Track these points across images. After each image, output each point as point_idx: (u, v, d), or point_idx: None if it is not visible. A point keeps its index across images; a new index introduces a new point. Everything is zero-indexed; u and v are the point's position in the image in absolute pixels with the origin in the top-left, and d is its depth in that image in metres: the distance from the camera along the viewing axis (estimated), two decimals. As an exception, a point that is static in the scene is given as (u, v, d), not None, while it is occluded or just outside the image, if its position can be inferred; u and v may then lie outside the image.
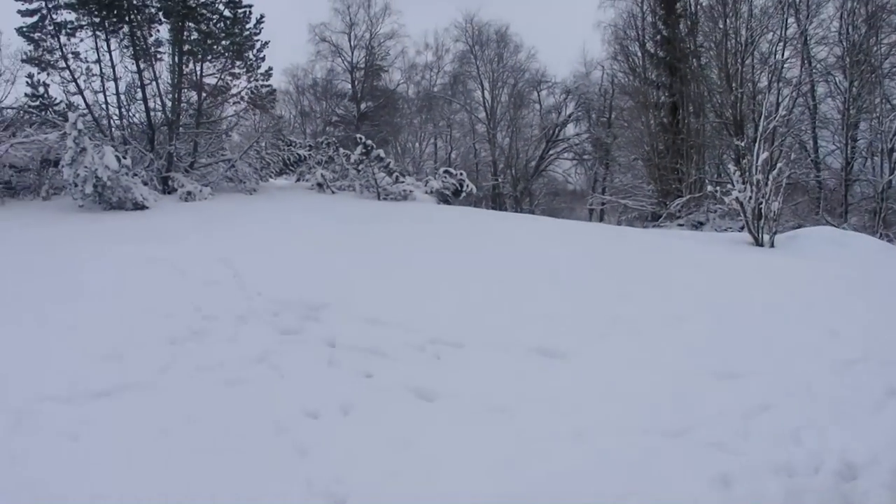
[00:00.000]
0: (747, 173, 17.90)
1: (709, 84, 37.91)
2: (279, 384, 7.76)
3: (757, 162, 17.70)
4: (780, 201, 18.14)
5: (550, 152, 56.09)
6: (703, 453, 6.43)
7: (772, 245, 17.69)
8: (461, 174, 26.81)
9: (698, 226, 32.28)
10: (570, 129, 56.93)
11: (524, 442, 6.66)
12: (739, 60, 36.56)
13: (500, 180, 51.98)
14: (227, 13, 23.26)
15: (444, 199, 25.36)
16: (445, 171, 26.78)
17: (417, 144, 55.45)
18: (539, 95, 56.95)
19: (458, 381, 8.08)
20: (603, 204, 47.08)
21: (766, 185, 17.81)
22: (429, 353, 8.99)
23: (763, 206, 17.68)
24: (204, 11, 22.65)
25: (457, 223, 17.86)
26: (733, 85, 35.77)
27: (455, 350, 9.10)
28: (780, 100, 36.69)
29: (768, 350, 9.20)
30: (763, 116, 19.19)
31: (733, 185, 18.10)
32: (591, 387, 8.04)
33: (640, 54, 42.24)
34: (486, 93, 54.88)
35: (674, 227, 32.32)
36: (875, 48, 37.93)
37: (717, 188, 19.15)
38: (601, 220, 48.59)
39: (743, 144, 21.16)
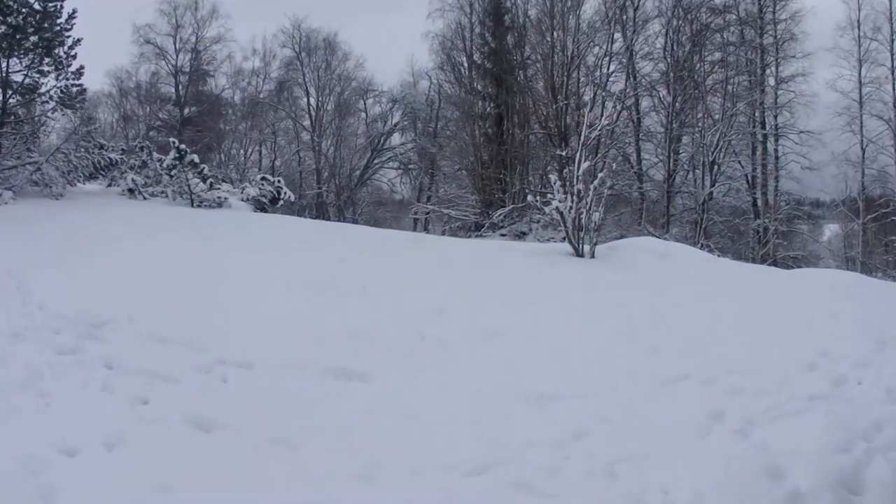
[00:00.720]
0: (568, 183, 17.50)
1: (534, 96, 37.97)
2: (43, 414, 6.73)
3: (578, 171, 17.34)
4: (602, 212, 17.83)
5: (376, 161, 55.61)
6: (506, 498, 5.75)
7: (592, 256, 17.33)
8: (279, 181, 26.03)
9: (521, 236, 32.11)
10: (397, 139, 56.73)
11: (305, 484, 5.86)
12: (565, 73, 36.71)
13: (323, 189, 51.04)
14: (37, 6, 21.96)
15: (261, 206, 24.47)
16: (263, 179, 26.00)
17: (242, 151, 53.85)
18: (366, 104, 56.40)
19: (242, 408, 7.28)
20: (427, 213, 46.65)
21: (588, 195, 17.48)
22: (215, 375, 8.18)
23: (584, 216, 17.34)
24: (12, 3, 21.18)
25: (270, 231, 17.04)
26: (558, 97, 35.87)
27: (244, 372, 8.30)
28: (603, 112, 36.95)
29: (587, 368, 8.69)
30: (585, 126, 18.87)
31: (554, 196, 17.70)
32: (390, 414, 7.34)
33: (466, 65, 42.02)
34: (312, 100, 53.86)
35: (496, 237, 32.04)
36: (698, 65, 38.77)
37: (538, 198, 18.65)
38: (426, 230, 48.24)
39: (565, 154, 20.75)
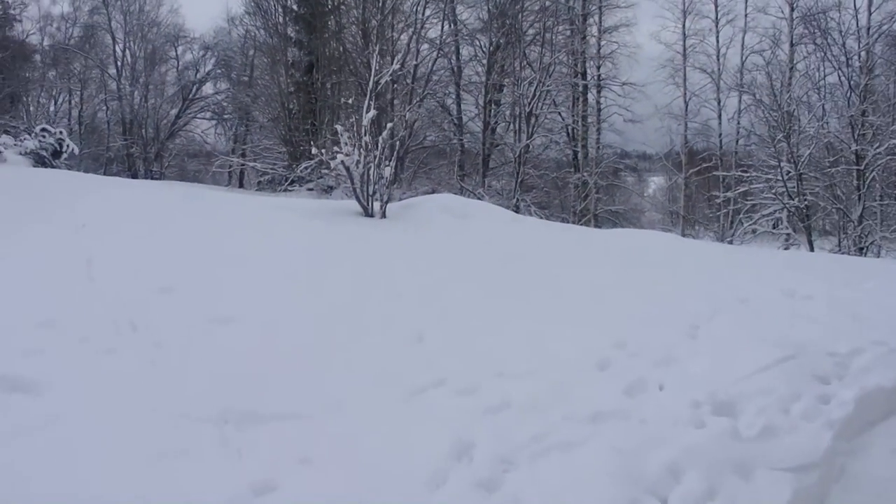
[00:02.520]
0: (356, 135, 15.52)
1: (346, 42, 35.72)
2: None
3: (364, 122, 15.37)
4: (393, 166, 15.99)
5: (188, 111, 52.46)
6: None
7: (383, 215, 15.45)
8: (60, 132, 23.41)
9: (328, 190, 30.11)
10: (210, 88, 53.70)
11: None
12: (379, 16, 34.62)
13: (129, 141, 47.86)
14: None
15: (41, 161, 21.72)
16: (43, 129, 23.24)
17: (52, 102, 49.94)
18: (177, 51, 53.33)
19: None
20: (231, 167, 44.17)
21: (377, 147, 15.58)
22: None
23: (372, 171, 15.43)
24: None
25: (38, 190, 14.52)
26: (370, 43, 33.79)
27: None
28: (418, 60, 35.21)
29: (322, 372, 6.67)
30: (373, 71, 16.83)
31: (340, 148, 15.69)
32: (48, 443, 5.16)
33: (279, 9, 39.39)
34: (121, 47, 50.45)
35: (303, 191, 29.95)
36: (520, 14, 37.33)
37: (323, 151, 16.46)
38: (241, 183, 45.85)
39: (351, 102, 18.49)
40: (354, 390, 6.33)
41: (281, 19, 38.74)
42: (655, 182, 55.23)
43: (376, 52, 17.80)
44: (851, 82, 28.24)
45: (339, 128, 15.86)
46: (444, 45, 37.80)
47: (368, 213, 15.51)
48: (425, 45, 37.80)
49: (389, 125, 15.85)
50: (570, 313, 8.75)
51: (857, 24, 33.89)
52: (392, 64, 18.03)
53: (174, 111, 51.34)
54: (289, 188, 31.57)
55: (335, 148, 15.84)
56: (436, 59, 37.16)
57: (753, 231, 30.33)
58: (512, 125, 36.09)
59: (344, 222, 14.39)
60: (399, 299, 8.92)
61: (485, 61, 37.94)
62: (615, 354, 7.24)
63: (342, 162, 15.48)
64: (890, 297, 10.39)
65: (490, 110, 37.40)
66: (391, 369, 6.82)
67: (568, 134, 40.05)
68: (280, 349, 7.04)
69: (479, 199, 30.36)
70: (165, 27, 51.40)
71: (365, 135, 15.43)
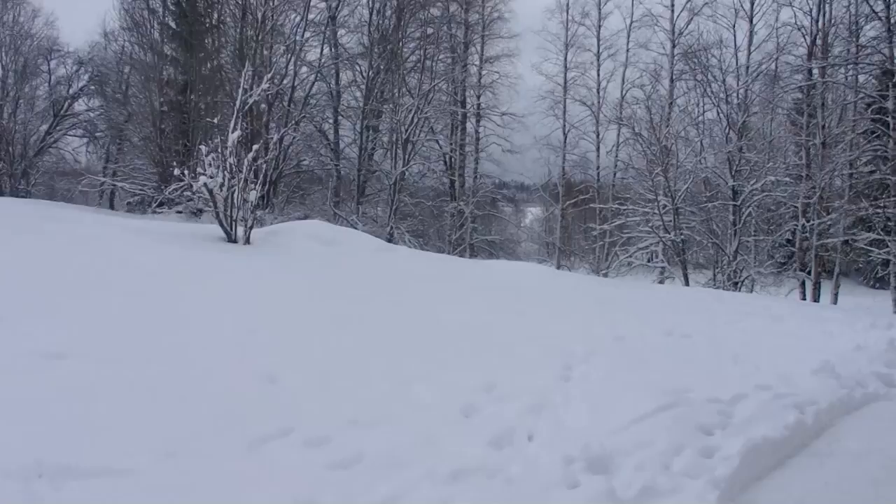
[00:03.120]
0: (219, 156, 14.70)
1: (223, 62, 34.72)
2: None
3: (228, 142, 14.61)
4: (259, 190, 15.29)
5: (58, 128, 50.39)
6: None
7: (247, 241, 14.72)
8: None
9: (198, 213, 29.11)
10: (83, 104, 51.44)
11: None
12: (256, 39, 33.72)
13: (-4, 157, 45.82)
14: None
15: None
16: None
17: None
18: (49, 65, 51.15)
19: None
20: (101, 185, 42.69)
21: (242, 170, 14.83)
22: None
23: (237, 195, 14.68)
24: None
25: None
26: (247, 63, 32.83)
27: None
28: (295, 82, 34.49)
29: (152, 425, 5.85)
30: (241, 90, 16.06)
31: (204, 170, 14.87)
32: None
33: (156, 25, 38.12)
34: (-12, 59, 48.23)
35: (172, 214, 28.87)
36: (401, 41, 36.98)
37: (186, 173, 15.55)
38: (111, 204, 44.27)
39: (217, 122, 17.48)
40: (191, 438, 5.57)
41: (157, 36, 37.52)
42: (532, 213, 55.28)
43: (246, 69, 16.98)
44: (730, 119, 28.36)
45: (203, 148, 15.08)
46: (322, 69, 37.01)
47: (232, 239, 14.79)
48: (304, 68, 36.96)
49: (255, 147, 15.04)
50: (436, 352, 8.14)
51: (737, 62, 34.40)
52: (262, 84, 17.06)
53: (44, 127, 49.24)
54: (157, 210, 30.41)
55: (199, 170, 15.04)
56: (314, 83, 36.35)
57: (629, 264, 30.22)
58: (389, 152, 35.46)
59: (203, 248, 13.63)
60: (252, 335, 8.17)
61: (363, 87, 37.35)
62: (483, 399, 6.65)
63: (205, 184, 14.72)
64: (769, 336, 10.06)
65: (367, 136, 36.78)
66: (236, 414, 6.08)
67: (445, 162, 39.68)
68: (114, 389, 6.23)
69: (352, 226, 29.77)
70: (39, 39, 49.34)
71: (230, 156, 14.69)
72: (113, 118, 45.79)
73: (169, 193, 30.24)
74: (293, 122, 33.27)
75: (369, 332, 8.76)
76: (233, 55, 34.77)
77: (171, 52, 36.59)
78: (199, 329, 8.11)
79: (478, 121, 41.33)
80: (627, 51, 40.36)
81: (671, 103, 34.98)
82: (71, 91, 50.32)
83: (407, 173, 34.10)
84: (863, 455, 6.07)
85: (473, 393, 6.74)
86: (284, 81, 34.33)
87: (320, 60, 36.64)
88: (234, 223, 14.86)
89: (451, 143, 39.55)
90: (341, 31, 38.88)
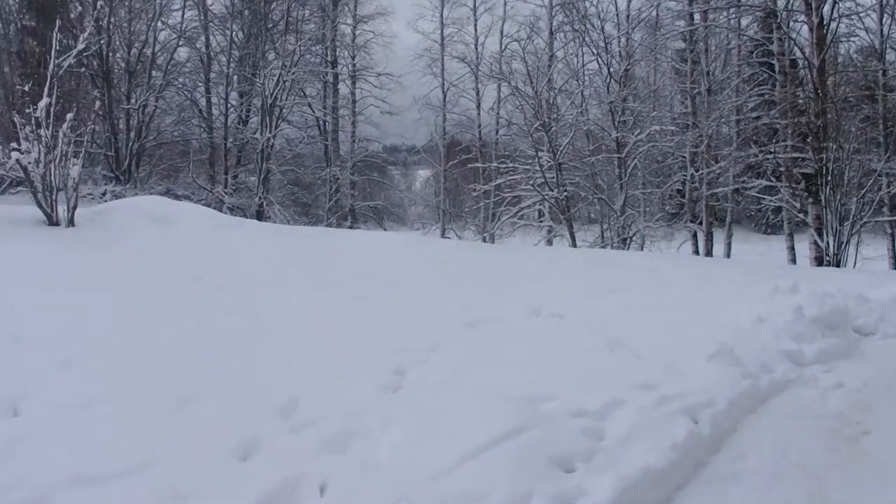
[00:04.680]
0: (32, 128, 12.78)
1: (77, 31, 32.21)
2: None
3: (37, 112, 12.70)
4: (81, 164, 13.46)
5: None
6: None
7: (71, 223, 12.86)
8: None
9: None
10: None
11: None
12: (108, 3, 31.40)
13: None
14: None
15: None
16: None
17: None
18: None
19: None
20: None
21: (59, 144, 12.97)
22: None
23: (54, 172, 12.83)
24: None
25: None
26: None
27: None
28: (155, 48, 32.25)
29: None
30: (53, 52, 14.06)
31: (18, 144, 12.96)
32: None
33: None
34: None
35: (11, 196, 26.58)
36: (273, 4, 34.98)
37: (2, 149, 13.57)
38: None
39: (27, 89, 15.32)
40: None
41: (13, 6, 34.78)
42: (422, 175, 53.77)
43: (56, 29, 14.94)
44: (611, 69, 27.07)
45: (16, 119, 13.15)
46: (186, 33, 34.69)
47: (53, 221, 12.92)
48: (163, 33, 34.54)
49: (69, 116, 13.11)
50: (232, 358, 6.38)
51: (617, 8, 33.24)
52: (78, 45, 14.98)
53: None
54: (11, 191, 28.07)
55: (12, 144, 13.13)
56: (175, 48, 34.04)
57: (513, 224, 28.91)
58: (256, 118, 33.46)
59: (15, 234, 11.75)
60: (16, 343, 6.43)
61: (234, 53, 35.35)
62: (273, 429, 4.91)
63: (17, 161, 12.82)
64: (654, 309, 8.52)
65: (242, 103, 34.82)
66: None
67: (319, 127, 37.82)
68: None
69: (218, 199, 27.98)
70: None
71: (45, 127, 12.83)
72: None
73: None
74: (152, 90, 31.00)
75: (175, 338, 6.99)
76: (86, 20, 32.34)
77: (29, 23, 33.93)
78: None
79: (353, 83, 39.55)
80: (505, 4, 39.13)
81: (551, 56, 33.61)
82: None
83: (277, 140, 32.19)
84: (777, 475, 4.65)
85: (264, 420, 5.02)
86: (144, 49, 32.05)
87: (181, 25, 34.35)
88: (54, 203, 13.00)
89: (323, 107, 37.72)
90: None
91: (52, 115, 12.99)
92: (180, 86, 34.93)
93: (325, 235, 14.86)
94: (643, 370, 6.10)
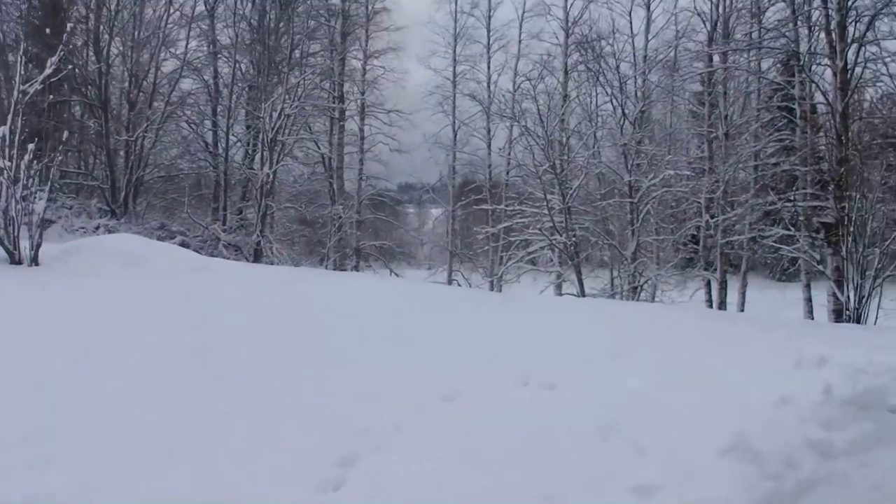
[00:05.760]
0: (-2, 157, 11.92)
1: (75, 59, 31.42)
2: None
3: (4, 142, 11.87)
4: (46, 198, 12.64)
5: None
6: None
7: (35, 262, 11.96)
8: None
9: (46, 224, 25.68)
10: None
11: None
12: (109, 32, 30.70)
13: None
14: None
15: None
16: None
17: None
18: None
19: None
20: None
21: (28, 176, 12.11)
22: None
23: (13, 206, 11.94)
24: None
25: None
26: (101, 58, 29.76)
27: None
28: (157, 77, 31.43)
29: None
30: (18, 81, 13.16)
31: (-9, 176, 12.11)
32: None
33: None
34: None
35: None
36: (276, 36, 34.26)
37: None
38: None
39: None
40: None
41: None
42: (434, 214, 52.82)
43: (20, 54, 14.11)
44: (625, 110, 26.10)
45: (-25, 151, 12.26)
46: (191, 63, 33.88)
47: (15, 260, 12.00)
48: (169, 64, 33.75)
49: (31, 146, 12.19)
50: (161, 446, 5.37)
51: (634, 48, 32.40)
52: (46, 69, 13.95)
53: None
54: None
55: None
56: (177, 79, 33.14)
57: (518, 268, 28.00)
58: (259, 153, 32.52)
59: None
60: None
61: (238, 85, 34.60)
62: None
63: (-27, 194, 11.94)
64: (660, 381, 7.32)
65: (248, 138, 33.98)
66: None
67: (325, 164, 36.87)
68: None
69: (214, 236, 27.06)
70: None
71: (8, 159, 11.93)
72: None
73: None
74: (152, 121, 30.10)
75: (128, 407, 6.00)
76: (85, 46, 31.66)
77: (32, 49, 33.24)
78: None
79: (362, 119, 38.63)
80: (520, 42, 38.29)
81: (565, 96, 32.71)
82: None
83: (283, 177, 31.22)
84: None
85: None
86: (146, 80, 31.25)
87: (184, 55, 33.50)
88: (16, 240, 12.07)
89: (329, 143, 36.80)
90: (220, 25, 35.78)
91: (16, 144, 12.09)
92: (183, 117, 34.10)
93: (299, 279, 13.72)
94: (641, 467, 4.96)
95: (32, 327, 8.29)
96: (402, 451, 5.36)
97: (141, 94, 31.33)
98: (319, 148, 36.52)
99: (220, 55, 35.18)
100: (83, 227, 25.58)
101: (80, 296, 10.25)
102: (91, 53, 30.92)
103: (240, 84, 35.36)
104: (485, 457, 5.25)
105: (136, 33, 31.58)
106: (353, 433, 5.60)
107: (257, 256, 27.03)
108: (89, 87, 29.75)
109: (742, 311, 24.71)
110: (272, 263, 26.05)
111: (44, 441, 5.22)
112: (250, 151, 34.25)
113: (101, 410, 5.92)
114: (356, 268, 35.72)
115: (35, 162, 12.33)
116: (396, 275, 36.34)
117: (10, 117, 12.26)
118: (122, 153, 29.79)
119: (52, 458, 4.96)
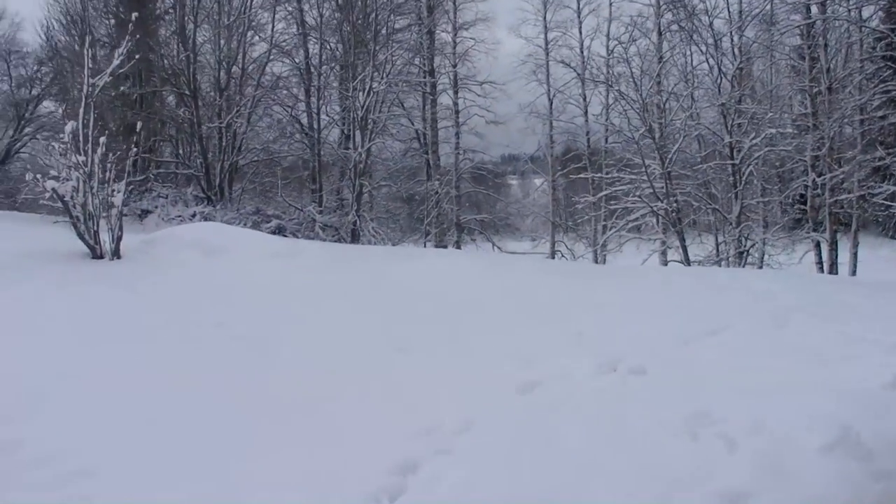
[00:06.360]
0: (71, 153, 11.69)
1: (164, 50, 31.41)
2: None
3: (65, 136, 11.65)
4: (124, 191, 12.43)
5: (25, 132, 47.16)
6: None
7: (117, 255, 11.78)
8: None
9: (144, 214, 26.31)
10: (51, 105, 48.17)
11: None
12: (193, 20, 30.63)
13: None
14: None
15: None
16: None
17: None
18: (9, 66, 47.97)
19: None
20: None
21: (104, 169, 11.92)
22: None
23: (91, 200, 11.75)
24: None
25: None
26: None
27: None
28: (245, 63, 31.31)
29: None
30: (87, 75, 12.94)
31: (58, 171, 11.92)
32: None
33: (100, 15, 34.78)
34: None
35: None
36: (363, 14, 33.68)
37: (39, 176, 12.43)
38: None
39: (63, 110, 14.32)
40: None
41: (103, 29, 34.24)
42: (536, 185, 52.07)
43: (87, 45, 13.91)
44: (722, 67, 25.09)
45: (55, 146, 12.11)
46: (281, 45, 33.66)
47: (97, 255, 11.84)
48: (258, 49, 33.51)
49: (102, 139, 11.97)
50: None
51: (728, 2, 31.13)
52: (114, 62, 13.72)
53: (9, 133, 46.03)
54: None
55: (52, 171, 12.12)
56: (265, 63, 32.91)
57: (620, 237, 27.27)
58: (352, 133, 32.23)
59: (54, 270, 10.71)
60: None
61: (327, 65, 34.30)
62: None
63: (54, 189, 11.76)
64: (757, 361, 6.72)
65: (344, 118, 33.64)
66: None
67: (419, 140, 36.50)
68: None
69: (311, 217, 26.90)
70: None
71: (82, 154, 11.74)
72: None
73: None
74: (238, 107, 29.93)
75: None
76: (173, 36, 31.70)
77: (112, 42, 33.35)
78: None
79: (455, 92, 38.14)
80: (611, 4, 37.26)
81: (660, 57, 31.71)
82: (33, 92, 47.14)
83: (367, 154, 30.88)
84: None
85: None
86: (234, 65, 31.12)
87: (271, 37, 33.30)
88: (96, 235, 11.92)
89: (423, 119, 36.43)
90: (305, 6, 35.43)
91: (90, 139, 11.92)
92: (276, 100, 33.92)
93: (380, 262, 13.26)
94: (733, 467, 4.41)
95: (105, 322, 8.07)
96: (469, 455, 4.92)
97: (231, 79, 31.20)
98: (413, 124, 36.18)
99: (309, 36, 34.86)
100: (179, 216, 25.66)
101: (158, 291, 10.04)
102: (178, 43, 30.90)
103: (329, 64, 35.03)
104: (562, 461, 4.77)
105: (222, 19, 31.43)
106: (415, 433, 5.20)
107: (354, 237, 26.80)
108: (179, 77, 29.73)
109: (854, 272, 23.57)
110: (370, 243, 25.84)
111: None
112: (345, 131, 33.94)
113: (148, 419, 5.63)
114: (457, 243, 35.35)
115: (110, 154, 12.12)
116: (499, 248, 35.91)
117: (80, 112, 12.09)
118: (215, 140, 29.72)
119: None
